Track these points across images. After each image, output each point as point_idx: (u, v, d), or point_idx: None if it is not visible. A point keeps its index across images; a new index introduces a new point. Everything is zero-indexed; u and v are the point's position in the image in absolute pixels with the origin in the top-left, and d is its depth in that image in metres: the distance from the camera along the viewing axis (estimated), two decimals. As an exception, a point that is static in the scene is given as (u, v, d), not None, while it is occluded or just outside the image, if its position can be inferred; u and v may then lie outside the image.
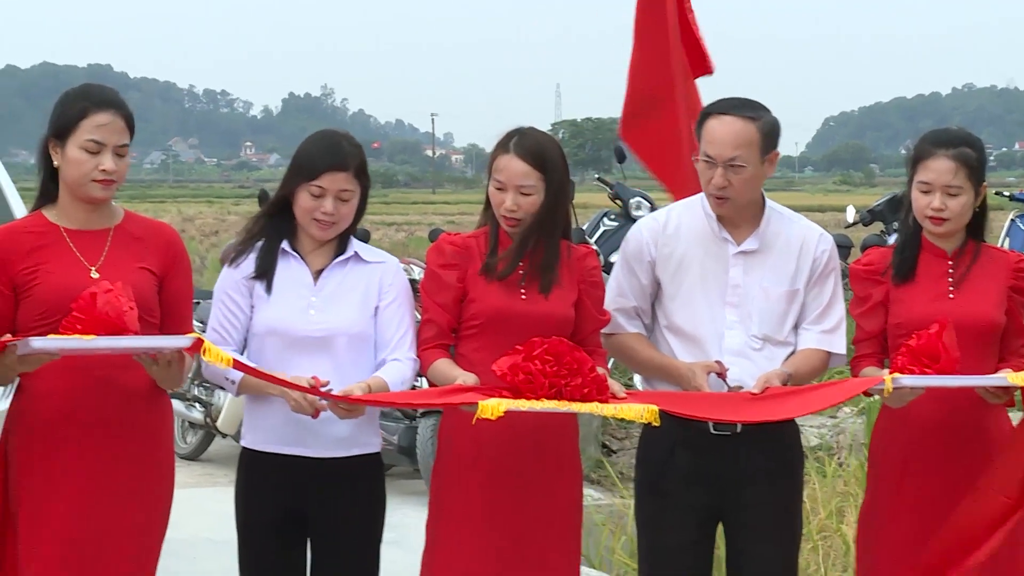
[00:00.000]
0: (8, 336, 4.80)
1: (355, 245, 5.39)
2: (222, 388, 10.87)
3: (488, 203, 5.41)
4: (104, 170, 5.03)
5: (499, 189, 5.30)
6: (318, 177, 5.24)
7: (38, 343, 4.74)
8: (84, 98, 5.11)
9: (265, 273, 5.30)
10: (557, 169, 5.34)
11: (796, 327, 5.55)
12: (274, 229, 5.36)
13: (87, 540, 5.01)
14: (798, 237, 5.56)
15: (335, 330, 5.28)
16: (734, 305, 5.50)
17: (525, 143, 5.33)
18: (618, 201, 14.57)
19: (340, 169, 5.25)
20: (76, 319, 4.77)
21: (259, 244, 5.35)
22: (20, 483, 5.07)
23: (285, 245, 5.34)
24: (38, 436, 5.05)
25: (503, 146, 5.33)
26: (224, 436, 11.51)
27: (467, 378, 5.16)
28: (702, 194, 5.54)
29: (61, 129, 5.07)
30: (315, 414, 5.08)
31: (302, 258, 5.34)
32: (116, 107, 5.10)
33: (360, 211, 5.38)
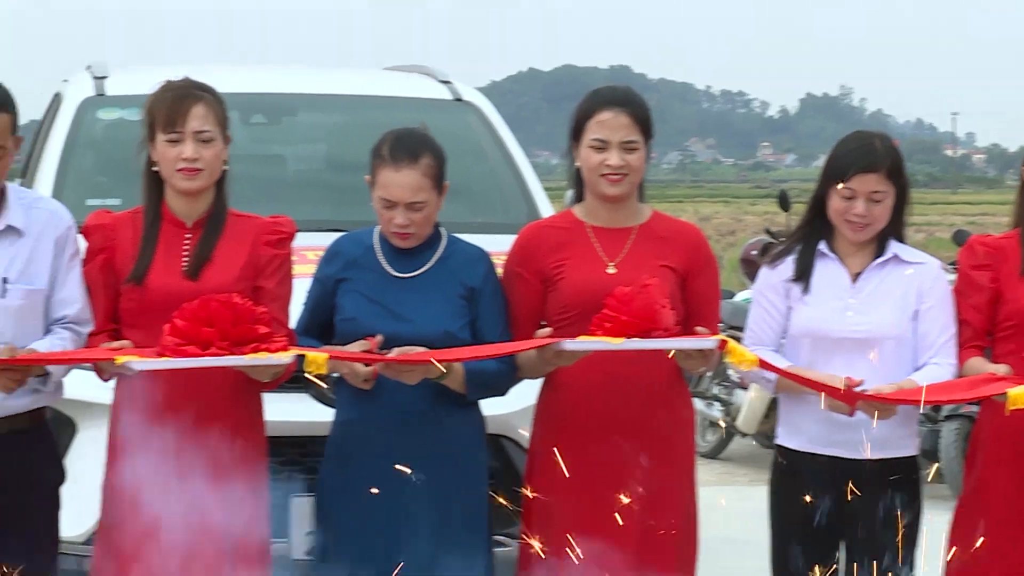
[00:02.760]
0: (547, 333, 4.97)
1: (894, 247, 5.29)
2: (742, 388, 11.11)
3: None
4: (608, 165, 5.12)
5: None
6: (849, 179, 5.17)
7: (570, 345, 4.88)
8: (592, 98, 5.25)
9: (803, 275, 5.26)
10: None
11: None
12: (811, 231, 5.31)
13: (609, 535, 5.07)
14: None
15: (873, 332, 5.19)
16: None
17: None
18: None
19: (870, 170, 5.16)
20: (607, 316, 4.86)
21: (797, 247, 5.32)
22: (541, 471, 5.21)
23: (823, 247, 5.28)
24: (557, 428, 5.18)
25: None
26: (743, 435, 11.54)
27: (999, 368, 5.00)
28: None
29: (575, 130, 5.22)
30: (851, 412, 5.02)
31: (840, 260, 5.28)
32: (620, 104, 5.19)
33: (899, 211, 5.28)
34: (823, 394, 5.01)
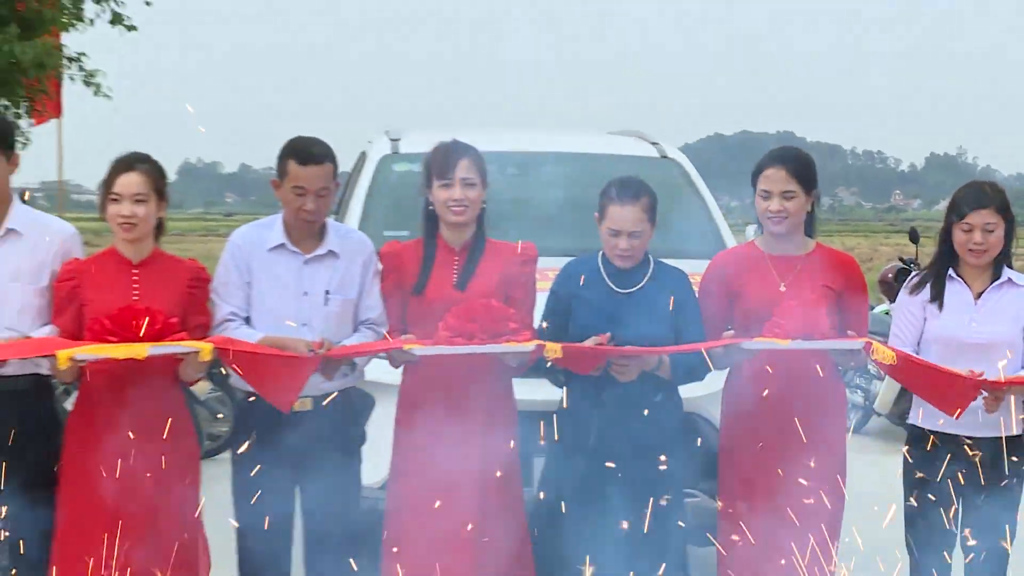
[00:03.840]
0: (731, 335, 4.94)
1: (1007, 272, 5.14)
2: (879, 378, 10.87)
3: None
4: (770, 210, 5.06)
5: None
6: (967, 216, 5.05)
7: (748, 345, 4.89)
8: (763, 157, 5.17)
9: (937, 297, 5.13)
10: None
11: None
12: (942, 261, 5.17)
13: (783, 488, 5.00)
14: None
15: (991, 339, 5.04)
16: None
17: None
18: None
19: (983, 207, 5.04)
20: (777, 323, 4.86)
21: (932, 276, 5.18)
22: (730, 442, 5.17)
23: (951, 272, 5.15)
24: (741, 407, 5.12)
25: None
26: (879, 415, 11.32)
27: None
28: None
29: (753, 181, 5.15)
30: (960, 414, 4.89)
31: (965, 282, 5.14)
32: (781, 162, 5.11)
33: (1008, 241, 5.12)
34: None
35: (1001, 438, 5.04)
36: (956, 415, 4.88)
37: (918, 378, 5.02)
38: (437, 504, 4.90)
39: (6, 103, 11.99)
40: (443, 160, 5.03)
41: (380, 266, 5.15)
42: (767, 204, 5.07)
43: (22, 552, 4.83)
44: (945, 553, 5.12)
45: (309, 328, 4.93)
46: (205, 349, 4.72)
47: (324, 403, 4.97)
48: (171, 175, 5.24)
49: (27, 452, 4.84)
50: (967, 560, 5.11)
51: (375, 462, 5.20)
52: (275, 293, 4.98)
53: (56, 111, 14.27)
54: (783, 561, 4.96)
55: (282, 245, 5.03)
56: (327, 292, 5.01)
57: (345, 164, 6.73)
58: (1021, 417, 5.03)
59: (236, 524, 5.03)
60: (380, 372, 5.27)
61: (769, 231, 5.13)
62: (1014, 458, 5.09)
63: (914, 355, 5.05)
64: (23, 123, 12.59)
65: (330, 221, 5.14)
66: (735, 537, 5.06)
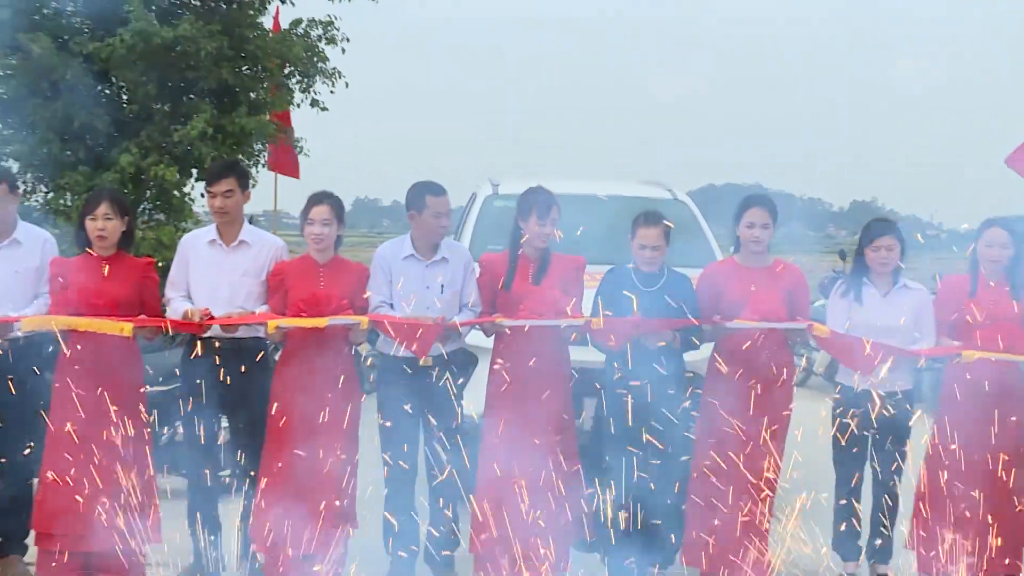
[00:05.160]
0: (718, 318, 4.83)
1: (903, 279, 5.02)
2: (816, 350, 10.59)
3: None
4: (756, 236, 4.95)
5: None
6: (874, 241, 4.98)
7: (730, 325, 4.80)
8: (749, 199, 5.01)
9: (857, 297, 5.00)
10: None
11: None
12: (859, 272, 5.04)
13: (743, 424, 4.86)
14: None
15: (894, 325, 4.91)
16: None
17: None
18: None
19: (885, 234, 4.98)
20: (748, 312, 4.80)
21: (853, 283, 5.04)
22: (712, 391, 4.97)
23: (865, 279, 5.03)
24: (720, 369, 4.94)
25: None
26: (816, 374, 11.09)
27: (955, 343, 4.76)
28: None
29: (737, 215, 5.02)
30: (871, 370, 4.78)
31: (875, 286, 5.01)
32: (762, 204, 4.98)
33: (902, 256, 5.00)
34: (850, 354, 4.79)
35: (895, 392, 4.95)
36: (870, 372, 4.76)
37: (841, 348, 4.89)
38: (517, 425, 4.86)
39: (244, 160, 12.22)
40: (544, 205, 4.95)
41: (477, 268, 5.11)
42: (752, 232, 4.97)
43: (240, 457, 4.88)
44: (858, 470, 5.01)
45: (432, 310, 4.91)
46: (364, 321, 4.76)
47: (441, 361, 4.94)
48: (347, 206, 5.23)
49: (250, 386, 4.87)
50: (875, 476, 4.99)
51: (475, 399, 5.16)
52: (407, 287, 4.95)
53: (274, 165, 14.51)
54: (743, 466, 4.84)
55: (411, 255, 5.01)
56: (442, 285, 4.98)
57: (458, 201, 6.71)
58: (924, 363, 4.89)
59: (381, 439, 5.02)
60: (478, 338, 5.22)
61: (750, 250, 5.01)
62: (906, 405, 4.98)
63: (841, 333, 4.93)
64: (253, 171, 12.78)
65: (446, 239, 5.11)
66: (708, 451, 4.92)
